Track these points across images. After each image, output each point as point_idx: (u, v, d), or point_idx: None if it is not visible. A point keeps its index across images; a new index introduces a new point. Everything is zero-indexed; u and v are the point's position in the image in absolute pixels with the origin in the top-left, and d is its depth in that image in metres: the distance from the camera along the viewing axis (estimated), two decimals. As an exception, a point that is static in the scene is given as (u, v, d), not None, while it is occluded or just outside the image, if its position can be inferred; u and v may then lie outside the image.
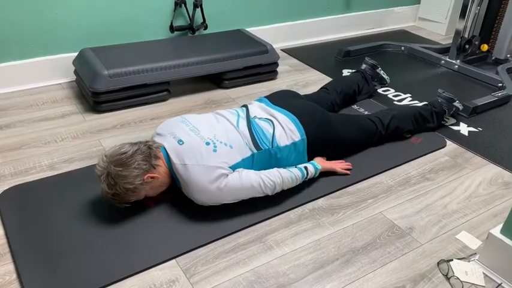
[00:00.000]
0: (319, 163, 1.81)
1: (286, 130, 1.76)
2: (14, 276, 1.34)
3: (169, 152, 1.56)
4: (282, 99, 1.92)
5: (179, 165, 1.53)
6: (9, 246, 1.43)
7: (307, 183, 1.76)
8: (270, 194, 1.64)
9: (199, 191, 1.52)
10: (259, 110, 1.84)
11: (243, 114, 1.78)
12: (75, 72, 2.37)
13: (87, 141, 1.99)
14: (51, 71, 2.43)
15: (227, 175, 1.54)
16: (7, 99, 2.27)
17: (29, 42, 2.32)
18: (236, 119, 1.73)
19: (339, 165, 1.87)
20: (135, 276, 1.37)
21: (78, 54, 2.35)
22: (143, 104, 2.31)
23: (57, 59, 2.42)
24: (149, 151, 1.53)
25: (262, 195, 1.62)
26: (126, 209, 1.56)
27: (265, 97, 1.95)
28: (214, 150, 1.55)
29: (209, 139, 1.58)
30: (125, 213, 1.57)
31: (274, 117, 1.79)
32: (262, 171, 1.62)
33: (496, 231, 1.40)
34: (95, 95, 2.17)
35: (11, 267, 1.37)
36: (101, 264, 1.38)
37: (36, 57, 2.37)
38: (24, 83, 2.38)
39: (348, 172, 1.87)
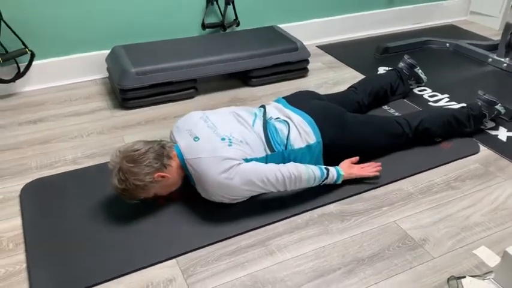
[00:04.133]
0: (345, 169, 1.73)
1: (301, 132, 1.72)
2: (24, 266, 1.41)
3: (183, 150, 1.58)
4: (300, 100, 1.87)
5: (192, 159, 1.54)
6: (24, 237, 1.51)
7: (321, 186, 1.70)
8: (283, 189, 1.59)
9: (211, 181, 1.50)
10: (276, 111, 1.81)
11: (260, 114, 1.76)
12: (108, 69, 2.45)
13: (112, 137, 2.06)
14: (87, 68, 2.53)
15: (239, 164, 1.52)
16: (43, 95, 2.40)
17: (66, 39, 2.43)
18: (253, 120, 1.71)
19: (366, 170, 1.77)
20: (135, 273, 1.40)
21: (110, 52, 2.43)
22: (170, 101, 2.35)
23: (92, 56, 2.52)
24: (162, 150, 1.56)
25: (274, 189, 1.58)
26: (136, 206, 1.60)
27: (284, 98, 1.91)
28: (229, 145, 1.55)
29: (225, 135, 1.58)
30: (133, 210, 1.61)
31: (290, 118, 1.76)
32: (278, 164, 1.60)
33: (513, 250, 1.29)
34: (123, 92, 2.24)
35: (22, 257, 1.45)
36: (104, 260, 1.42)
37: (73, 54, 2.48)
38: (61, 79, 2.49)
39: (377, 173, 1.77)
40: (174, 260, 1.44)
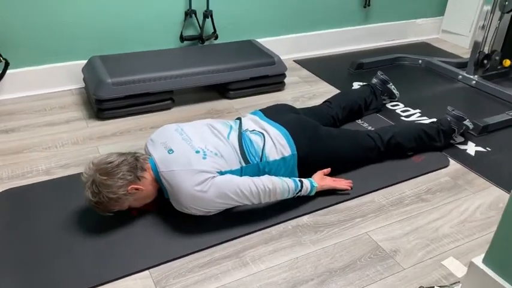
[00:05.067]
0: (318, 181, 1.77)
1: (276, 144, 1.74)
2: (-8, 278, 1.39)
3: (157, 162, 1.58)
4: (276, 113, 1.90)
5: (166, 172, 1.54)
6: (-7, 248, 1.49)
7: (295, 198, 1.72)
8: (257, 202, 1.61)
9: (185, 195, 1.50)
10: (252, 123, 1.83)
11: (235, 126, 1.77)
12: (84, 79, 2.44)
13: (86, 147, 2.04)
14: (63, 78, 2.51)
15: (214, 177, 1.53)
16: (17, 104, 2.36)
17: (42, 48, 2.41)
18: (228, 132, 1.72)
19: (339, 182, 1.82)
20: (108, 284, 1.38)
21: (87, 62, 2.42)
22: (147, 112, 2.35)
23: (69, 65, 2.50)
24: (136, 162, 1.55)
25: (249, 202, 1.59)
26: (108, 217, 1.58)
27: (260, 110, 1.94)
28: (204, 158, 1.55)
29: (199, 148, 1.58)
30: (107, 222, 1.59)
31: (266, 131, 1.78)
32: (253, 177, 1.61)
33: (479, 260, 1.32)
34: (99, 102, 2.23)
35: (-9, 269, 1.42)
36: (76, 272, 1.40)
37: (49, 63, 2.46)
38: (36, 88, 2.47)
39: (349, 188, 1.81)
40: (147, 272, 1.43)
